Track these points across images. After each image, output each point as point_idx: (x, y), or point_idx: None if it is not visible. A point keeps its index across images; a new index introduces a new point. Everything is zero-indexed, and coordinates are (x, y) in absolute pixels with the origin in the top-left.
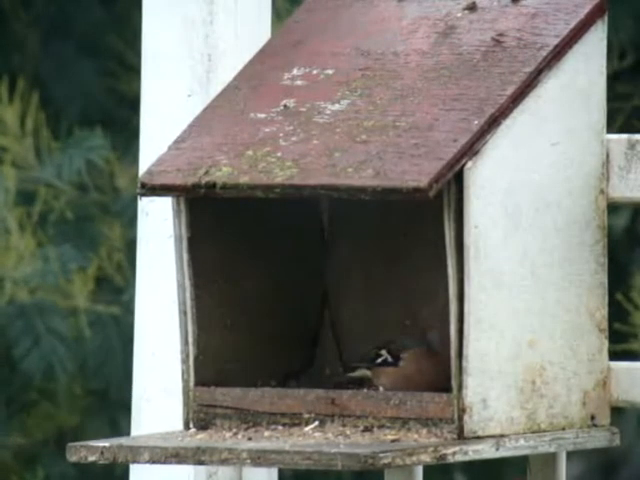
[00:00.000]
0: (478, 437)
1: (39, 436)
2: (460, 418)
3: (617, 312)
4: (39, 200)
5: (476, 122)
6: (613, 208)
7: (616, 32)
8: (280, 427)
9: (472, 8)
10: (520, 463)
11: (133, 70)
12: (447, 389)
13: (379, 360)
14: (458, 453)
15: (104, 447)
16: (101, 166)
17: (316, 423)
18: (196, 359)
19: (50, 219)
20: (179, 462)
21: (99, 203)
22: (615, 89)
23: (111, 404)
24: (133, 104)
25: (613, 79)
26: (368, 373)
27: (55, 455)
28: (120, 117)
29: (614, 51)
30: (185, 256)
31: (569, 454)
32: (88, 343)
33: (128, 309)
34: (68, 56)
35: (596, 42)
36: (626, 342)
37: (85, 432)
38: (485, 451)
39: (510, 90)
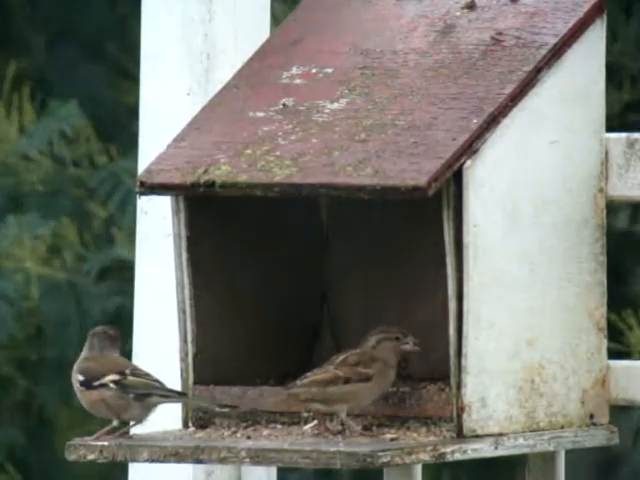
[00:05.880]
0: (477, 436)
1: None
2: (459, 417)
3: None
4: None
5: (475, 121)
6: (611, 210)
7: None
8: (279, 426)
9: (471, 7)
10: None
11: (135, 78)
12: None
13: None
14: (457, 452)
15: (103, 446)
16: (72, 136)
17: (315, 422)
18: (195, 358)
19: (23, 190)
20: (178, 461)
21: (75, 177)
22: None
23: (66, 371)
24: (135, 111)
25: None
26: None
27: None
28: (124, 122)
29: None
30: (184, 255)
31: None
32: (42, 309)
33: (88, 277)
34: (73, 60)
35: (595, 41)
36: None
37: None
38: (484, 450)
39: (509, 89)
